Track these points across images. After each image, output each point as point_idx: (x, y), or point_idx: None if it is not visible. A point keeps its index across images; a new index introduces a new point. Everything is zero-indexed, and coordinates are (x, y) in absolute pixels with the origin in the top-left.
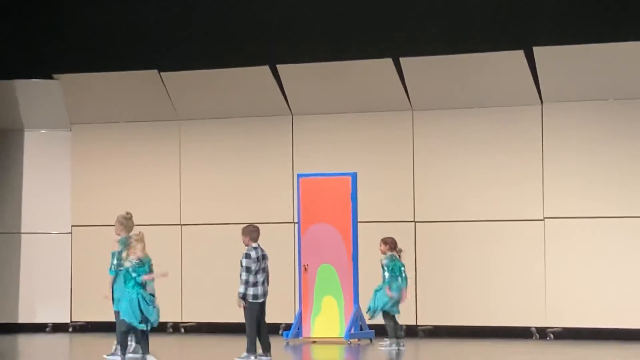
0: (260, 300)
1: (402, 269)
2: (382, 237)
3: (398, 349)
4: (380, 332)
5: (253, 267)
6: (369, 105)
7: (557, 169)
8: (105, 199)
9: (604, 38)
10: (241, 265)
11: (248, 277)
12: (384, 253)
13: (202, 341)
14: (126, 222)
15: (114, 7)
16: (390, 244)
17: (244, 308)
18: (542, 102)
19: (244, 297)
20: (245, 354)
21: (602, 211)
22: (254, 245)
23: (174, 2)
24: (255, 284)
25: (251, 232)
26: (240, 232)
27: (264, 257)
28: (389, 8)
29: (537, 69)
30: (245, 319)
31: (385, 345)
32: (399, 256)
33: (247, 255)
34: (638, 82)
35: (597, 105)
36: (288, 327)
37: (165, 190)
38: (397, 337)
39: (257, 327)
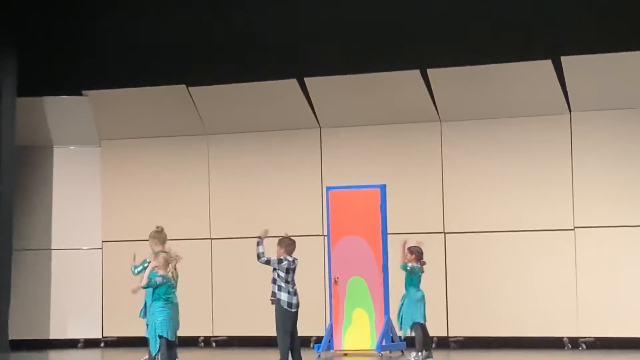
0: (294, 310)
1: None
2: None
3: None
4: (411, 343)
5: (282, 274)
6: (396, 117)
7: (586, 178)
8: (135, 214)
9: (632, 46)
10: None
11: (280, 274)
12: (410, 262)
13: (233, 355)
14: (159, 235)
15: (142, 24)
16: (416, 254)
17: (276, 315)
18: (570, 111)
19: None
20: None
21: (633, 220)
22: (289, 258)
23: (200, 16)
24: (288, 292)
25: (287, 245)
26: (269, 244)
27: (294, 270)
28: (416, 19)
29: (565, 78)
30: (278, 330)
31: (413, 357)
32: (422, 269)
33: (280, 261)
34: None
35: (626, 113)
36: (319, 340)
37: (195, 205)
38: (425, 348)
39: (289, 339)
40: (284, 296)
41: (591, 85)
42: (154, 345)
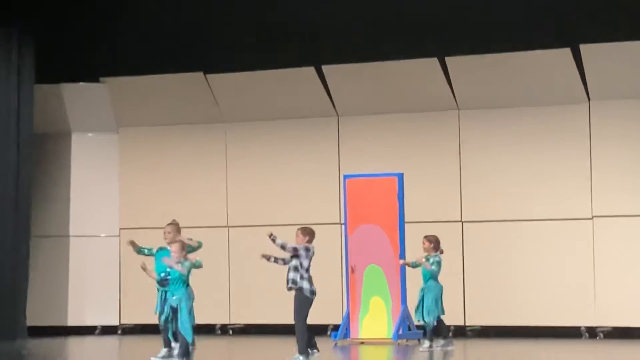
0: (313, 298)
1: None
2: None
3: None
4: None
5: (306, 263)
6: (414, 105)
7: (605, 167)
8: (152, 202)
9: None
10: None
11: (303, 262)
12: (428, 252)
13: (250, 343)
14: (177, 225)
15: (159, 11)
16: (435, 243)
17: (298, 303)
18: (589, 100)
19: (275, 244)
20: (300, 357)
21: None
22: (313, 247)
23: (218, 4)
24: (309, 280)
25: (310, 233)
26: (284, 232)
27: (311, 259)
28: (435, 8)
29: (584, 67)
30: (298, 318)
31: (426, 347)
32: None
33: (307, 249)
34: None
35: None
36: (336, 328)
37: (212, 192)
38: (444, 336)
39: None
40: (306, 284)
41: (610, 73)
42: (190, 333)
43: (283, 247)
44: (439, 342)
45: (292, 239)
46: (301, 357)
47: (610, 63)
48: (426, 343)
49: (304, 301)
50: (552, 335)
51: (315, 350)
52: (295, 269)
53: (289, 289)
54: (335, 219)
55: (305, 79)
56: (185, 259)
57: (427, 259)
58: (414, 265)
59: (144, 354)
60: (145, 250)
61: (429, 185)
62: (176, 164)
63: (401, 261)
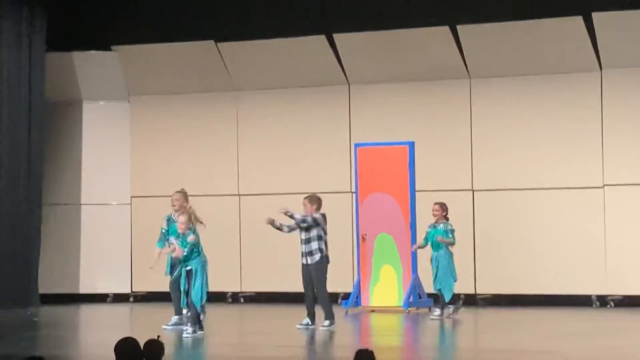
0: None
1: None
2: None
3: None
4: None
5: (326, 229)
6: (426, 74)
7: (616, 135)
8: (163, 170)
9: None
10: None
11: (325, 229)
12: (439, 218)
13: (261, 311)
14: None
15: None
16: (446, 210)
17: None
18: (601, 68)
19: (295, 222)
20: (327, 322)
21: None
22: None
23: None
24: (327, 247)
25: (318, 201)
26: (296, 201)
27: None
28: None
29: (597, 35)
30: (322, 283)
31: (436, 314)
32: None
33: (324, 217)
34: None
35: None
36: (347, 296)
37: (223, 161)
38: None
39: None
40: (326, 251)
41: (622, 42)
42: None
43: (304, 221)
44: (449, 310)
45: (301, 208)
46: (327, 322)
47: (622, 31)
48: (437, 311)
49: (325, 268)
50: (563, 303)
51: (309, 321)
52: (319, 237)
53: (321, 258)
54: (346, 187)
55: (317, 48)
56: (194, 228)
57: (435, 228)
58: (425, 245)
59: (156, 321)
60: (163, 237)
61: (440, 154)
62: (187, 132)
63: (414, 247)
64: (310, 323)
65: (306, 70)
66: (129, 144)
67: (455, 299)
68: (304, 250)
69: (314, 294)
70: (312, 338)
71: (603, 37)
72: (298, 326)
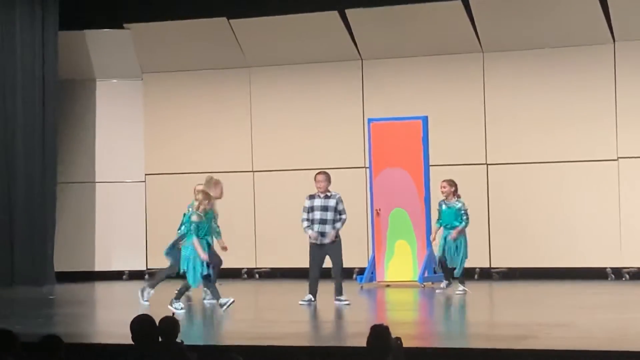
0: None
1: None
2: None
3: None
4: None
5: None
6: (439, 48)
7: (630, 108)
8: (177, 147)
9: None
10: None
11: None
12: (447, 196)
13: (276, 287)
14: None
15: None
16: (455, 187)
17: (339, 250)
18: (614, 40)
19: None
20: (344, 296)
21: None
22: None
23: None
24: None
25: (330, 177)
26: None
27: None
28: None
29: (609, 7)
30: (340, 258)
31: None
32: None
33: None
34: None
35: None
36: (362, 271)
37: (237, 137)
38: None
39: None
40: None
41: (636, 13)
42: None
43: (341, 218)
44: (445, 284)
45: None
46: (344, 297)
47: (635, 2)
48: (443, 283)
49: (341, 247)
50: (578, 276)
51: (311, 297)
52: (338, 219)
53: (338, 237)
54: (360, 162)
55: (329, 23)
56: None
57: (448, 207)
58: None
59: (170, 298)
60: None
61: (454, 128)
62: (200, 109)
63: (433, 240)
64: (312, 299)
65: (319, 46)
66: (142, 122)
67: (448, 274)
68: (319, 230)
69: (320, 275)
70: (326, 314)
71: (616, 8)
72: (301, 302)
